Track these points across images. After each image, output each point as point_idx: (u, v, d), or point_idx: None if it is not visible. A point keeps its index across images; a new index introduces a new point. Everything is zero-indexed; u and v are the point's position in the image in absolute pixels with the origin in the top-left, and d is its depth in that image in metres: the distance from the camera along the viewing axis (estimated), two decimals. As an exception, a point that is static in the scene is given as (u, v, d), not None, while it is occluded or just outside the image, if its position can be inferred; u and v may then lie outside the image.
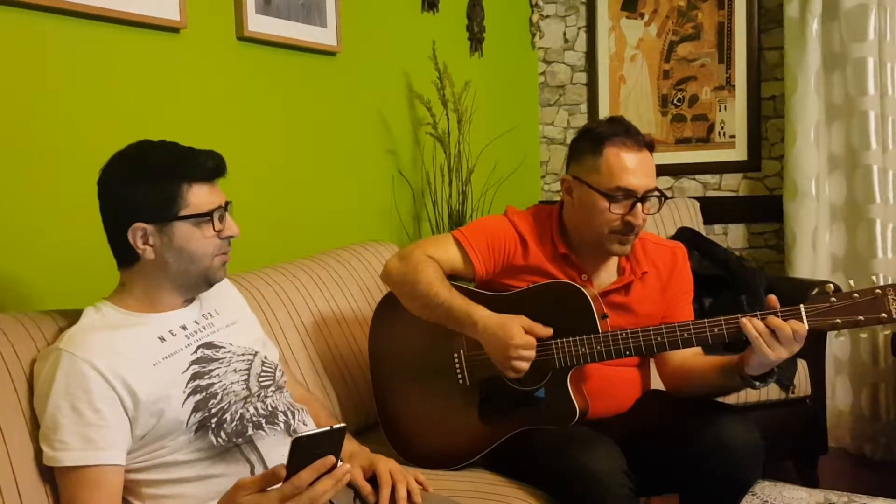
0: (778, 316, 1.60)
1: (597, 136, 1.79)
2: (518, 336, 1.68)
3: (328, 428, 1.18)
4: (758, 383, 1.67)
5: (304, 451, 1.17)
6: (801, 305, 1.61)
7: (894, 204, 3.12)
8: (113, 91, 1.83)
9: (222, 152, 1.39)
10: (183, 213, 1.37)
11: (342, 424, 1.21)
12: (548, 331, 1.73)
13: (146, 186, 1.37)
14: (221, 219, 1.42)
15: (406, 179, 2.84)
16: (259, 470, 1.38)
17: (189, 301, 1.48)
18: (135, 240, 1.37)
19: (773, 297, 1.63)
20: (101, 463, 1.29)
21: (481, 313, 1.73)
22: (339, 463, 1.23)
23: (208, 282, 1.46)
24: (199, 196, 1.39)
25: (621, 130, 1.78)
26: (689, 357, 1.84)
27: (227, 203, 1.44)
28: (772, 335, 1.58)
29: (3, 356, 1.35)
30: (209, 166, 1.41)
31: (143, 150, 1.41)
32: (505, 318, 1.72)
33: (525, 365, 1.69)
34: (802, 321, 1.59)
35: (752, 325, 1.59)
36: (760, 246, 3.50)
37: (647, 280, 1.89)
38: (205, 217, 1.39)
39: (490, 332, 1.70)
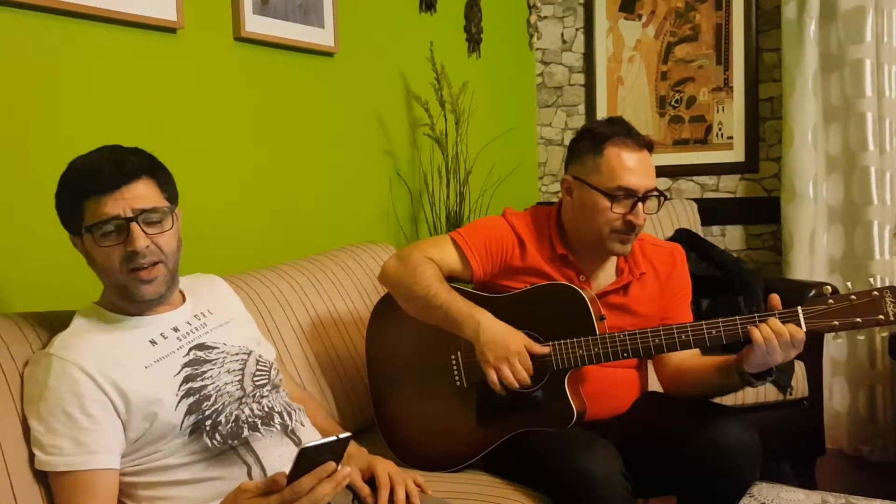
0: (776, 318, 1.60)
1: (597, 136, 1.80)
2: (521, 348, 1.69)
3: (334, 438, 1.19)
4: (757, 381, 1.67)
5: (309, 460, 1.18)
6: (799, 308, 1.61)
7: (892, 205, 3.13)
8: (110, 92, 1.82)
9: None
10: (84, 225, 1.35)
11: (348, 434, 1.22)
12: (545, 349, 1.73)
13: (61, 199, 1.39)
14: (121, 230, 1.34)
15: (403, 180, 2.84)
16: (256, 471, 1.38)
17: (144, 311, 1.43)
18: (76, 246, 1.40)
19: (775, 296, 1.63)
20: (95, 467, 1.29)
21: (485, 316, 1.73)
22: (340, 467, 1.23)
23: (132, 298, 1.39)
24: (93, 208, 1.33)
25: (622, 130, 1.79)
26: (687, 358, 1.84)
27: (140, 211, 1.34)
28: (774, 340, 1.58)
29: (-1, 358, 1.35)
30: (95, 176, 1.34)
31: (76, 160, 1.39)
32: (510, 328, 1.72)
33: (512, 379, 1.67)
34: (800, 324, 1.59)
35: (758, 332, 1.59)
36: (758, 247, 3.50)
37: (645, 281, 1.89)
38: (89, 231, 1.34)
39: (493, 334, 1.70)
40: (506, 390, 1.70)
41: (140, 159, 1.38)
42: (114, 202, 1.33)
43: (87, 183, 1.34)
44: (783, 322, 1.59)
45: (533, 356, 1.71)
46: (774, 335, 1.58)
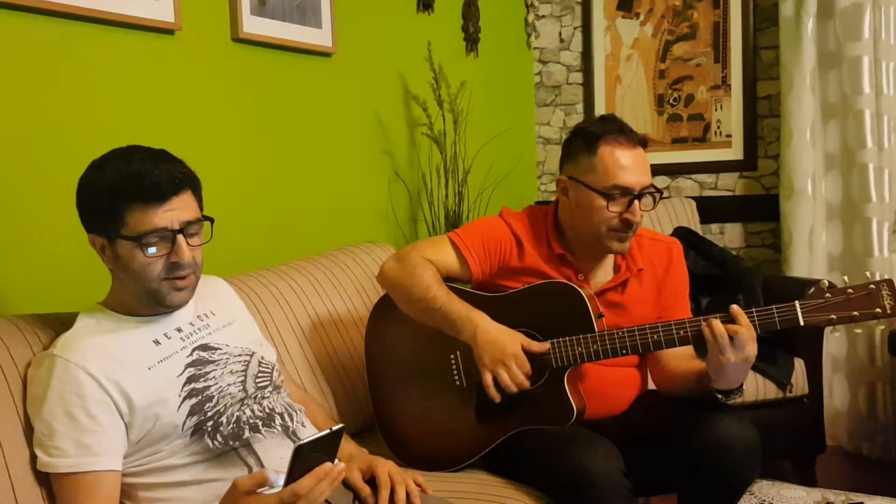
0: (717, 318, 1.61)
1: (590, 135, 1.80)
2: (518, 351, 1.69)
3: (328, 431, 1.20)
4: (720, 396, 1.68)
5: (305, 457, 1.18)
6: (797, 302, 1.62)
7: (890, 202, 3.13)
8: (108, 93, 1.82)
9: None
10: (122, 232, 1.33)
11: (340, 426, 1.22)
12: (544, 346, 1.73)
13: (94, 200, 1.35)
14: (171, 241, 1.34)
15: (402, 180, 2.84)
16: (257, 473, 1.38)
17: (154, 312, 1.43)
18: (94, 247, 1.38)
19: (733, 307, 1.63)
20: (97, 469, 1.29)
21: (483, 319, 1.73)
22: (336, 461, 1.23)
23: (161, 304, 1.40)
24: (139, 218, 1.32)
25: (615, 128, 1.79)
26: (675, 359, 1.84)
27: (186, 224, 1.35)
28: (729, 340, 1.59)
29: (-1, 360, 1.35)
30: (152, 187, 1.31)
31: (105, 161, 1.36)
32: (508, 330, 1.72)
33: (509, 382, 1.67)
34: (798, 318, 1.60)
35: (707, 329, 1.61)
36: (757, 245, 3.50)
37: (643, 277, 1.89)
38: (136, 241, 1.32)
39: (490, 337, 1.70)
40: (502, 393, 1.70)
41: (186, 169, 1.38)
42: (163, 213, 1.33)
43: (138, 190, 1.31)
44: (779, 316, 1.61)
45: (532, 355, 1.71)
46: (718, 335, 1.59)
